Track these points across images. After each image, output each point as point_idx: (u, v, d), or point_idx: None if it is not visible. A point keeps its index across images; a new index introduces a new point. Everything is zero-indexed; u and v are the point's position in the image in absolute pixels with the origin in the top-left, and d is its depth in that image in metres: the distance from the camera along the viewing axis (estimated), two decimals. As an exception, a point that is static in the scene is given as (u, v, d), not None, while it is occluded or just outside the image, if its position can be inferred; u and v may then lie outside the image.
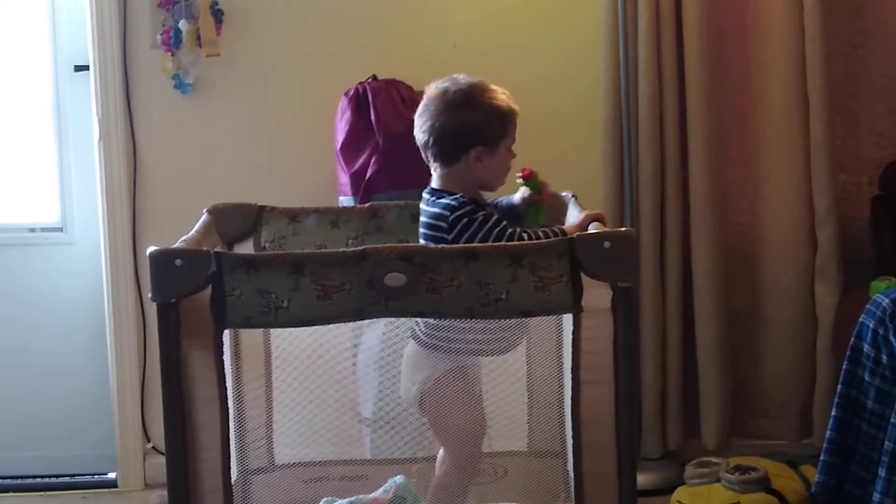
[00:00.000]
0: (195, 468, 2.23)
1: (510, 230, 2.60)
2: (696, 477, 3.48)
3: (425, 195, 2.74)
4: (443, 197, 2.68)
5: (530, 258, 2.18)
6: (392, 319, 2.57)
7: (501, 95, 2.71)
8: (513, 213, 2.78)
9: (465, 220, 2.61)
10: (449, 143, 2.68)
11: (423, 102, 2.73)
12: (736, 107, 3.84)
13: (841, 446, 3.04)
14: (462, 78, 2.71)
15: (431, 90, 2.72)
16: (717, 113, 3.78)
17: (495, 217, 2.62)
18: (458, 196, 2.67)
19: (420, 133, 2.71)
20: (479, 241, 2.55)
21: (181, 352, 2.20)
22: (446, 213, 2.64)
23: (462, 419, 2.68)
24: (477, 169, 2.69)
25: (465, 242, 2.56)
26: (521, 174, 2.77)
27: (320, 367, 2.71)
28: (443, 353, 2.58)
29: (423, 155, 2.74)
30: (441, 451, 2.77)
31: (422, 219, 2.73)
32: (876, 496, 2.86)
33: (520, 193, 2.79)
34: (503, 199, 2.83)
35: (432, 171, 2.74)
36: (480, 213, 2.62)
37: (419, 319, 2.55)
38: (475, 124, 2.67)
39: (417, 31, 3.86)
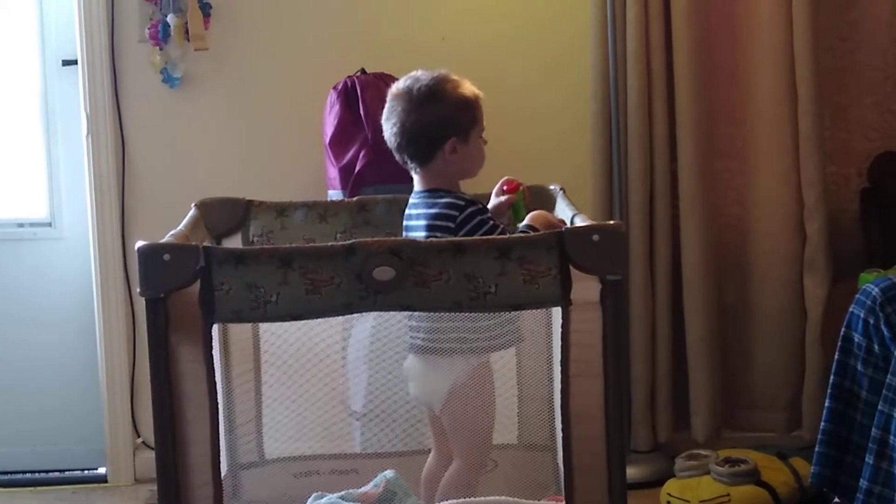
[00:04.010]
0: (185, 463, 2.22)
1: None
2: (686, 469, 3.49)
3: (418, 199, 2.69)
4: (441, 196, 2.65)
5: (519, 251, 2.18)
6: (381, 313, 2.57)
7: (465, 83, 2.68)
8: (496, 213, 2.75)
9: (478, 218, 2.59)
10: (423, 140, 2.64)
11: (388, 104, 2.68)
12: (725, 99, 3.84)
13: (836, 437, 3.03)
14: (422, 74, 2.68)
15: (395, 90, 2.68)
16: (706, 105, 3.78)
17: (501, 227, 2.59)
18: (459, 195, 2.65)
19: (391, 136, 2.67)
20: None
21: (170, 346, 2.19)
22: (454, 212, 2.60)
23: (486, 419, 2.66)
24: (454, 160, 2.65)
25: None
26: (506, 187, 2.73)
27: (310, 361, 2.72)
28: (458, 356, 2.57)
29: (397, 158, 2.69)
30: (434, 450, 2.78)
31: (418, 222, 2.68)
32: (863, 483, 2.84)
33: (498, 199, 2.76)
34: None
35: (412, 174, 2.71)
36: (490, 219, 2.59)
37: (413, 332, 2.56)
38: (445, 117, 2.64)
39: (406, 24, 3.86)
